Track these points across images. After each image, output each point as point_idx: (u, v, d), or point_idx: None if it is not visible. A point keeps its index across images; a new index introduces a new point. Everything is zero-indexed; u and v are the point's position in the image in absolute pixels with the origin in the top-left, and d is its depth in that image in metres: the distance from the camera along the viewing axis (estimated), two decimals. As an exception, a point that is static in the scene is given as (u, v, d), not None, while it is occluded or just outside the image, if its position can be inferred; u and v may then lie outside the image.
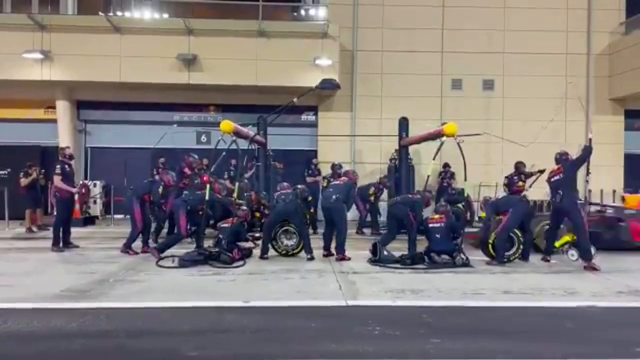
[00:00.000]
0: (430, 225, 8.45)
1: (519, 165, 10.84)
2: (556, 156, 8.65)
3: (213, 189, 8.99)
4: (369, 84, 15.21)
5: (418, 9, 15.22)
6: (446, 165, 14.22)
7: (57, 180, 9.36)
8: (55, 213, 9.72)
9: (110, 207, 14.07)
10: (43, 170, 12.66)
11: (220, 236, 8.42)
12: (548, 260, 8.54)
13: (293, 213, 8.79)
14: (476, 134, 10.81)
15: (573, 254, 8.33)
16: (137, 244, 9.02)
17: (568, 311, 5.62)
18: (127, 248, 8.86)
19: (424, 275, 7.45)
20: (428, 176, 9.76)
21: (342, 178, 9.65)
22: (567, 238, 8.54)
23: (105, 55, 13.50)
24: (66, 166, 9.50)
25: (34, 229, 12.10)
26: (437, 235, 8.32)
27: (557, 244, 8.61)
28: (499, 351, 4.32)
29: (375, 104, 15.21)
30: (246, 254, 8.48)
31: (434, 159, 9.61)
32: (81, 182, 14.01)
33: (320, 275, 7.31)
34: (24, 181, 12.08)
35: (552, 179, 8.52)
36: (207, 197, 8.65)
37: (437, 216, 8.59)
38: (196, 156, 10.75)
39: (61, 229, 9.41)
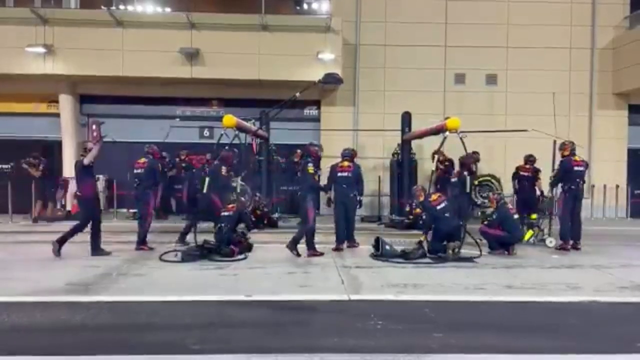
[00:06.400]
0: (438, 207, 8.34)
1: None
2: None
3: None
4: (371, 78, 15.15)
5: (421, 2, 15.14)
6: None
7: None
8: None
9: (113, 201, 14.08)
10: (43, 160, 12.87)
11: (223, 224, 8.42)
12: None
13: None
14: (523, 130, 10.92)
15: (551, 240, 9.32)
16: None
17: (570, 306, 5.62)
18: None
19: (426, 269, 7.46)
20: (432, 171, 9.76)
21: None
22: (531, 233, 9.55)
23: (108, 49, 13.49)
24: None
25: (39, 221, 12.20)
26: (447, 214, 8.29)
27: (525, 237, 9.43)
28: (500, 346, 4.32)
29: (378, 99, 15.16)
30: (247, 248, 8.48)
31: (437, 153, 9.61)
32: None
33: (323, 269, 7.33)
34: (33, 170, 12.34)
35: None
36: (204, 191, 8.78)
37: (435, 197, 8.53)
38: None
39: None
